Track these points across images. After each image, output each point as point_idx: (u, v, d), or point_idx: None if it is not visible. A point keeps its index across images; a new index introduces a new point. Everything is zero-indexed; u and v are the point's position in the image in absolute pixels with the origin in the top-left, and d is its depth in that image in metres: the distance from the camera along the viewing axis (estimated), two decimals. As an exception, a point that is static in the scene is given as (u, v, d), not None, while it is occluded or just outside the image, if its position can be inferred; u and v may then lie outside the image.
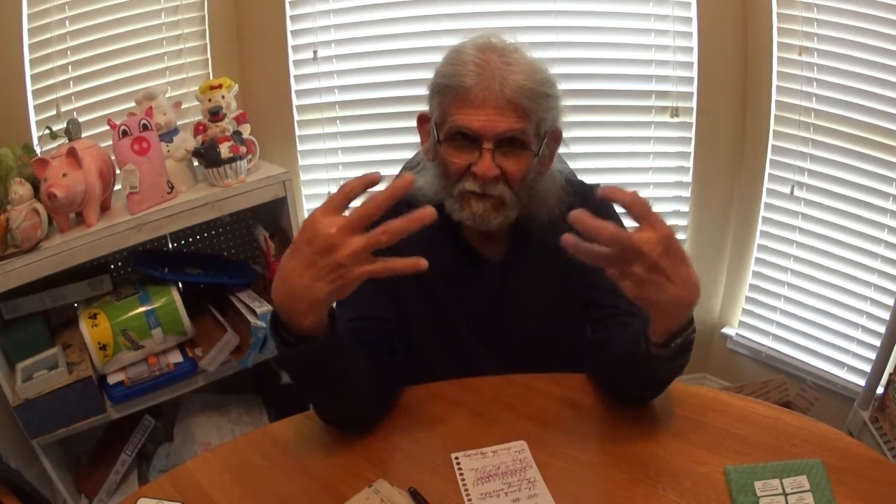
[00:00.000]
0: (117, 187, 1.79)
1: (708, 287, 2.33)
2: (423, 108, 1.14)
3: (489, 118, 1.00)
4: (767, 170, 2.08)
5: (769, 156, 2.06)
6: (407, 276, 0.92)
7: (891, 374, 1.75)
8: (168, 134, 1.82)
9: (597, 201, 1.18)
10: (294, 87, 2.16)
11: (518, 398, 1.06)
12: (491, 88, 1.00)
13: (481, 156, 1.02)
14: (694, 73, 2.06)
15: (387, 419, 1.04)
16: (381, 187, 0.83)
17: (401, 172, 1.44)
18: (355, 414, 1.00)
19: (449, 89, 1.03)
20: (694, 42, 2.03)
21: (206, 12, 2.03)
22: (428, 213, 0.80)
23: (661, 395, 1.03)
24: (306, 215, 0.83)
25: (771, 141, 2.04)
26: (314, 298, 0.82)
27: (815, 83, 1.90)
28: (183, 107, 1.91)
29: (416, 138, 1.19)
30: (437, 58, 1.09)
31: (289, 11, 2.08)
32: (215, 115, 1.81)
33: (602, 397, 1.05)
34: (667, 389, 1.04)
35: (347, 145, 2.21)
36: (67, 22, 1.89)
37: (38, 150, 1.83)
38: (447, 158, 1.05)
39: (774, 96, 2.00)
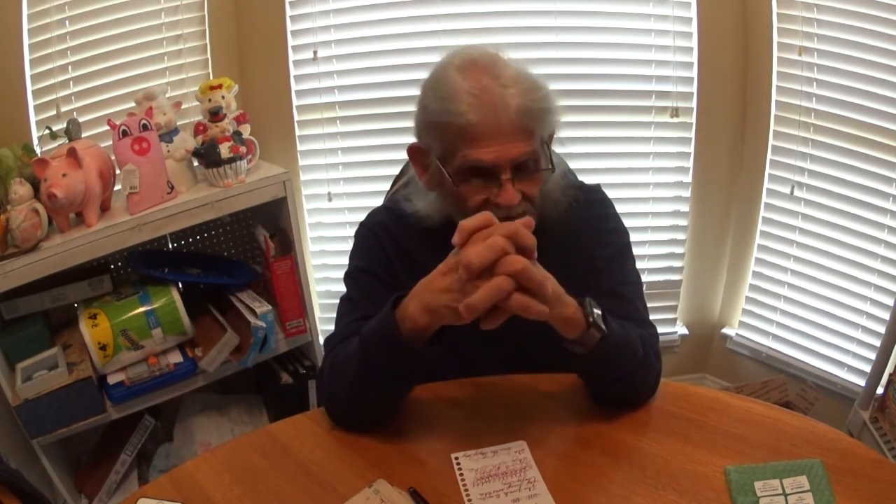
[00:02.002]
0: (117, 187, 1.79)
1: (708, 287, 2.33)
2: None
3: (501, 147, 0.97)
4: (767, 170, 2.08)
5: (769, 156, 2.06)
6: (412, 277, 0.92)
7: (891, 375, 1.75)
8: (168, 134, 1.82)
9: (596, 201, 1.19)
10: (294, 87, 2.16)
11: (518, 398, 1.06)
12: (497, 119, 0.96)
13: (502, 186, 0.99)
14: (694, 73, 2.06)
15: (387, 419, 1.04)
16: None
17: (402, 172, 1.44)
18: (383, 417, 1.02)
19: (450, 126, 0.97)
20: (694, 42, 2.03)
21: (206, 12, 2.03)
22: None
23: (661, 394, 1.03)
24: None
25: (771, 141, 2.05)
26: (436, 303, 0.89)
27: (815, 83, 1.90)
28: (183, 107, 1.91)
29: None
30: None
31: (289, 11, 2.07)
32: (215, 115, 1.81)
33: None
34: (667, 390, 1.04)
35: (347, 145, 2.21)
36: (67, 22, 1.89)
37: (38, 150, 1.83)
38: (465, 196, 1.02)
39: (774, 96, 2.00)
